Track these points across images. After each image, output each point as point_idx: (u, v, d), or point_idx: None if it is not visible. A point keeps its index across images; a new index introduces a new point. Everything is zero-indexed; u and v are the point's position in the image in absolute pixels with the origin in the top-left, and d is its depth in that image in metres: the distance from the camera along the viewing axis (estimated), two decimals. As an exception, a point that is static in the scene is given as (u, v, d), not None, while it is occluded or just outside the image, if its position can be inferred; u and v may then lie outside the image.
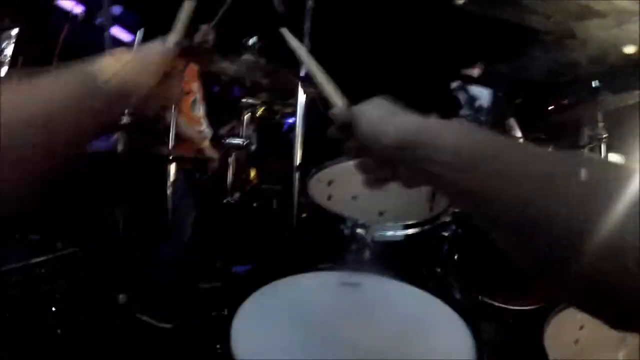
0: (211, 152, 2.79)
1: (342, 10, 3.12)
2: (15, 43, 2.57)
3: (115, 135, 1.90)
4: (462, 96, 3.27)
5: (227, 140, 2.18)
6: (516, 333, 2.17)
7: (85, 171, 2.08)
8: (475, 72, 3.20)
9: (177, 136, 2.21)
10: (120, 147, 1.75)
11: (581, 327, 1.78)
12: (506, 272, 2.20)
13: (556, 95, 3.35)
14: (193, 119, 2.89)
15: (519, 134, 3.16)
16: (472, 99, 3.26)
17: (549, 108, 3.09)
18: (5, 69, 2.64)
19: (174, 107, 2.13)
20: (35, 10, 2.54)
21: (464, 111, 3.24)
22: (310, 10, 2.26)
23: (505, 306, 2.19)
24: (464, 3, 3.22)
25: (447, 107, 3.24)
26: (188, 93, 2.69)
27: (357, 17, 3.32)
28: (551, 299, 2.13)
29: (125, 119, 1.91)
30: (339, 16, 3.03)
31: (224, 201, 2.14)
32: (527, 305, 2.21)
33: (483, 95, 3.31)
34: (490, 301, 2.19)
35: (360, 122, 0.83)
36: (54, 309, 2.28)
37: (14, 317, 2.16)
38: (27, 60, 2.60)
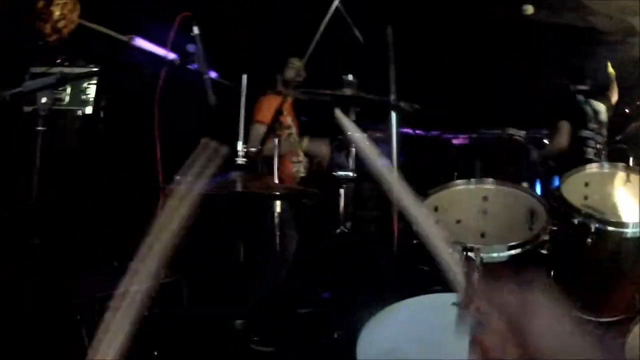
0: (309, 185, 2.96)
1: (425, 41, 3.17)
2: (98, 83, 2.68)
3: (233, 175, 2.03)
4: (587, 110, 3.31)
5: (338, 173, 2.33)
6: (604, 344, 2.28)
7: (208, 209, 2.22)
8: (586, 86, 3.20)
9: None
10: (238, 188, 1.89)
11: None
12: (596, 286, 2.32)
13: (628, 97, 3.38)
14: (293, 152, 3.05)
15: (566, 138, 3.19)
16: (595, 113, 3.30)
17: (626, 111, 3.13)
18: (90, 107, 2.74)
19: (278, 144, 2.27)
20: (110, 51, 2.62)
21: (592, 125, 3.26)
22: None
23: (596, 319, 2.30)
24: (532, 13, 3.28)
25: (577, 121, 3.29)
26: (287, 128, 2.85)
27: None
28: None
29: (241, 161, 2.03)
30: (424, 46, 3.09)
31: (338, 231, 2.31)
32: (612, 317, 2.31)
33: (601, 109, 3.35)
34: (580, 315, 2.31)
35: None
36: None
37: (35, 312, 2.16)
38: (111, 100, 2.72)
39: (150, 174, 2.25)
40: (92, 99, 2.69)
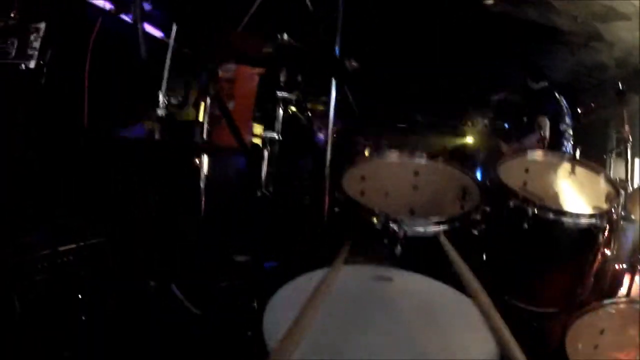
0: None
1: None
2: (44, 37, 2.61)
3: (149, 125, 1.95)
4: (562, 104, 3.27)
5: (264, 134, 2.21)
6: (539, 336, 2.18)
7: (121, 157, 2.13)
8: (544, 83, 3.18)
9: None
10: (156, 136, 1.79)
11: (602, 332, 1.80)
12: (532, 275, 2.22)
13: (584, 98, 3.36)
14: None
15: (547, 132, 3.18)
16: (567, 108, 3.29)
17: (579, 111, 3.11)
18: (33, 62, 2.67)
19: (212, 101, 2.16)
20: (63, 5, 2.57)
21: (567, 119, 3.23)
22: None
23: (529, 308, 2.20)
24: (492, 3, 3.24)
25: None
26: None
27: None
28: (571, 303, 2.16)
29: (160, 112, 1.95)
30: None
31: (258, 194, 2.18)
32: (550, 309, 2.22)
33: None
34: (515, 303, 2.21)
35: None
36: (80, 296, 2.32)
37: (40, 303, 2.20)
38: (57, 53, 2.64)
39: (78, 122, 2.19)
40: (37, 53, 2.62)
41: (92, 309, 2.28)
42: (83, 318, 2.27)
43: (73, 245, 2.45)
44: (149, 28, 2.75)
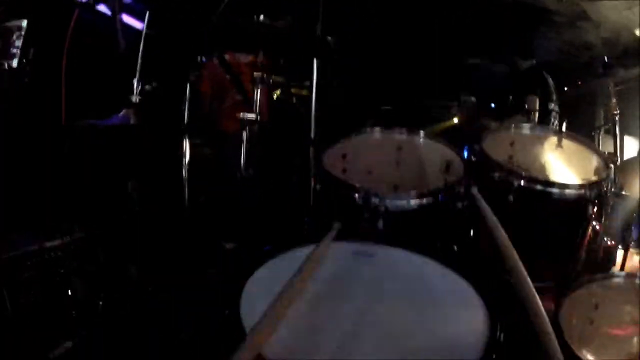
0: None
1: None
2: (25, 35, 2.61)
3: (124, 111, 1.94)
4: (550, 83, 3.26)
5: (242, 115, 2.19)
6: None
7: (98, 145, 2.12)
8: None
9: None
10: (132, 121, 1.78)
11: (596, 307, 1.77)
12: (520, 248, 2.19)
13: (571, 76, 3.34)
14: None
15: (537, 108, 3.15)
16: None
17: (565, 89, 3.09)
18: (16, 60, 2.67)
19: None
20: (42, 1, 2.56)
21: (554, 98, 3.22)
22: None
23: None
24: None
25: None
26: None
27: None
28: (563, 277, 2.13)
29: (135, 98, 1.95)
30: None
31: (238, 175, 2.16)
32: (541, 283, 2.18)
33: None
34: (505, 277, 2.18)
35: None
36: (69, 292, 2.31)
37: (29, 300, 2.19)
38: (38, 51, 2.63)
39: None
40: (19, 52, 2.62)
41: (82, 304, 2.27)
42: (73, 313, 2.26)
43: (60, 241, 2.44)
44: (129, 19, 2.74)
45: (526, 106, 3.08)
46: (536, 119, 3.15)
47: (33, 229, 2.43)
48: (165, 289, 2.30)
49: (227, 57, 2.81)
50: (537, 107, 3.19)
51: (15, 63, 2.64)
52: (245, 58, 2.87)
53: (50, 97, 2.43)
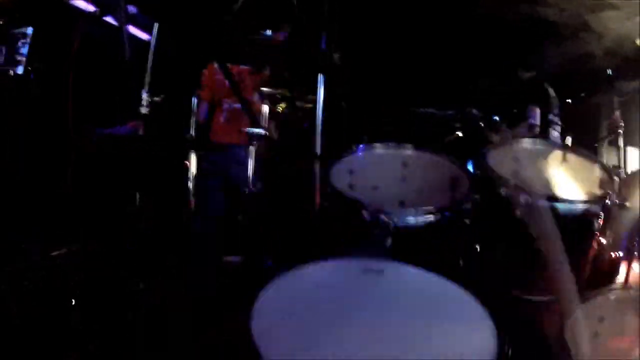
0: None
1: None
2: (31, 42, 2.61)
3: (133, 123, 1.95)
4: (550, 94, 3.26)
5: (248, 130, 2.19)
6: (537, 325, 2.14)
7: (106, 156, 2.12)
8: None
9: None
10: (141, 132, 1.79)
11: (601, 320, 1.77)
12: (526, 264, 2.19)
13: (573, 88, 3.35)
14: None
15: (538, 121, 3.16)
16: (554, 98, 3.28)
17: (567, 101, 3.10)
18: (21, 67, 2.67)
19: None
20: (48, 10, 2.58)
21: (555, 109, 3.23)
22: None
23: (526, 297, 2.17)
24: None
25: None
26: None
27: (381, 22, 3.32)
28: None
29: (144, 110, 1.95)
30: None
31: (245, 191, 2.16)
32: (546, 297, 2.18)
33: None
34: (510, 292, 2.18)
35: None
36: (73, 301, 2.30)
37: (33, 310, 2.19)
38: (44, 60, 2.64)
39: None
40: (24, 59, 2.63)
41: (85, 312, 2.26)
42: (77, 321, 2.25)
43: (64, 250, 2.44)
44: (135, 30, 2.75)
45: (528, 117, 3.10)
46: (538, 130, 3.17)
47: (38, 237, 2.44)
48: (171, 303, 2.30)
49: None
50: (539, 118, 3.20)
51: (20, 70, 2.65)
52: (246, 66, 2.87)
53: (57, 106, 2.44)
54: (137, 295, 2.28)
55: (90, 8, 2.37)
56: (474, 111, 2.89)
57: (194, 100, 2.20)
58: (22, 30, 2.63)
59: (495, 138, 2.75)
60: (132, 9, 2.50)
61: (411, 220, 1.89)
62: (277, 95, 2.29)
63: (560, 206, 2.10)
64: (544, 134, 3.18)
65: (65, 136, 2.19)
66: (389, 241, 1.83)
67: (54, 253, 2.50)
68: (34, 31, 2.60)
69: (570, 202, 2.11)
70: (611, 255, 2.60)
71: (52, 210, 2.55)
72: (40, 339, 2.08)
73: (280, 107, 2.56)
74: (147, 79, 2.02)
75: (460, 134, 2.76)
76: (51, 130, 2.57)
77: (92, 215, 2.53)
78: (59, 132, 2.36)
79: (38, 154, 2.66)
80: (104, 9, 2.29)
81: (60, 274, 2.41)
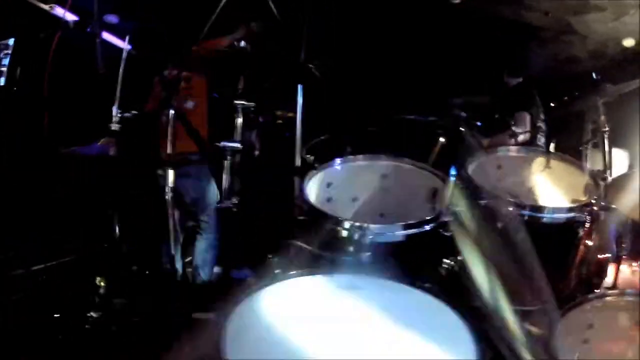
0: None
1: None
2: (13, 53, 2.59)
3: (102, 141, 1.92)
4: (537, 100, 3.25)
5: (223, 144, 2.15)
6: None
7: (79, 176, 2.08)
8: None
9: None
10: (112, 152, 1.75)
11: (590, 326, 1.74)
12: (511, 274, 2.16)
13: (557, 92, 3.33)
14: None
15: (528, 127, 3.15)
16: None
17: (552, 105, 3.08)
18: (3, 79, 2.65)
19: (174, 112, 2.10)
20: (29, 20, 2.55)
21: (541, 115, 3.21)
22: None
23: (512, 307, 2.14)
24: (460, 2, 3.20)
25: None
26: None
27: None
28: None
29: (114, 127, 1.91)
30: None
31: (218, 205, 2.12)
32: (533, 307, 2.15)
33: None
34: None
35: None
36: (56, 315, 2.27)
37: (17, 322, 2.15)
38: (24, 70, 2.61)
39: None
40: (6, 71, 2.62)
41: (68, 327, 2.22)
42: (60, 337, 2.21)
43: (46, 265, 2.42)
44: (116, 40, 2.69)
45: (513, 124, 3.07)
46: (526, 136, 3.14)
47: (20, 252, 2.41)
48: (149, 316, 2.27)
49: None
50: (528, 125, 3.18)
51: (2, 81, 2.64)
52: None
53: (34, 120, 2.41)
54: (117, 310, 2.25)
55: (71, 17, 2.33)
56: (461, 113, 2.85)
57: (172, 114, 2.15)
58: (4, 42, 2.61)
59: (476, 143, 2.73)
60: (112, 18, 2.46)
61: (389, 235, 1.85)
62: (248, 106, 2.24)
63: (543, 215, 2.08)
64: (531, 141, 3.17)
65: (41, 151, 2.16)
66: (365, 256, 1.80)
67: (35, 268, 2.47)
68: (15, 42, 2.58)
69: (554, 210, 2.09)
70: (598, 258, 2.57)
71: (30, 224, 2.51)
72: (22, 351, 2.04)
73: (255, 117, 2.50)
74: (119, 93, 1.97)
75: (443, 140, 2.73)
76: (28, 144, 2.54)
77: (71, 229, 2.50)
78: (35, 147, 2.33)
79: (14, 168, 2.62)
80: (85, 19, 2.26)
81: (40, 289, 2.38)
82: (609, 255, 2.61)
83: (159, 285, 2.42)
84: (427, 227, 1.90)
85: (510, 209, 2.04)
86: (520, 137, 3.15)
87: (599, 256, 2.55)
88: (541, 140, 3.19)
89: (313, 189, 2.01)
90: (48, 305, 2.29)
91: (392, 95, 3.14)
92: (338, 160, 2.09)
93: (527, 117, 3.30)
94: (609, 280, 2.61)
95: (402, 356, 1.28)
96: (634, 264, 2.63)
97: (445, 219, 1.96)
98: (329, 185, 2.04)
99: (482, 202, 2.04)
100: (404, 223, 1.86)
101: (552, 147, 2.98)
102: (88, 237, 2.49)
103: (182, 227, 2.48)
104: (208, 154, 2.22)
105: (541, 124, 3.22)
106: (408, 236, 1.87)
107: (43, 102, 2.25)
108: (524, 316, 2.16)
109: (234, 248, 2.36)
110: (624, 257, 2.57)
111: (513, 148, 2.43)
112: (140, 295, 2.36)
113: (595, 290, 2.17)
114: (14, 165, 2.61)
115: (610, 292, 2.15)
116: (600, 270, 2.60)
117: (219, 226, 2.37)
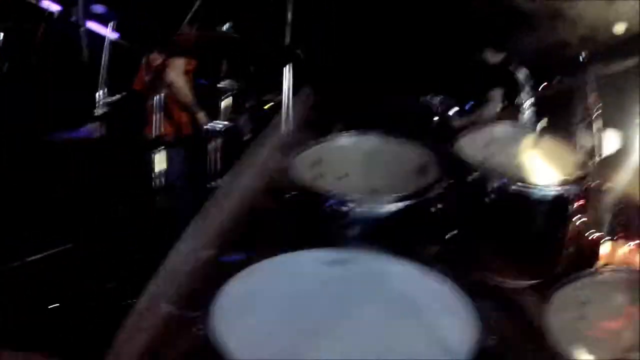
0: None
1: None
2: (1, 47, 2.59)
3: (89, 125, 1.92)
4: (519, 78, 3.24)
5: (209, 126, 2.15)
6: (516, 310, 2.12)
7: (67, 161, 2.09)
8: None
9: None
10: (98, 135, 1.76)
11: (584, 303, 1.75)
12: (502, 249, 2.17)
13: (547, 73, 3.33)
14: None
15: (499, 105, 3.14)
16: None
17: (541, 85, 3.08)
18: None
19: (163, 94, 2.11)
20: (16, 13, 2.55)
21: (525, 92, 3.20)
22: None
23: (504, 283, 2.15)
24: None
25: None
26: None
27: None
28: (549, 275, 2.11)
29: (100, 110, 1.92)
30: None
31: (207, 186, 2.12)
32: (526, 282, 2.16)
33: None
34: (487, 278, 2.15)
35: None
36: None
37: (12, 315, 2.14)
38: (12, 64, 2.62)
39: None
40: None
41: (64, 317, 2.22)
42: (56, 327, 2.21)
43: (40, 255, 2.42)
44: (101, 29, 2.70)
45: (488, 100, 3.06)
46: (498, 110, 3.12)
47: (13, 243, 2.42)
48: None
49: None
50: (501, 101, 3.16)
51: None
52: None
53: (23, 110, 2.42)
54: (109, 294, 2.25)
55: (53, 7, 2.35)
56: (436, 98, 2.87)
57: (159, 98, 2.16)
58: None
59: (458, 122, 2.74)
60: (100, 8, 2.47)
61: (377, 208, 1.85)
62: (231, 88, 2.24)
63: (530, 190, 2.08)
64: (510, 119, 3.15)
65: (30, 140, 2.17)
66: (355, 230, 1.81)
67: (31, 258, 2.47)
68: (4, 35, 2.58)
69: (541, 186, 2.09)
70: (592, 236, 2.58)
71: (24, 215, 2.52)
72: (18, 345, 2.04)
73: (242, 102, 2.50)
74: (103, 77, 1.98)
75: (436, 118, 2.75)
76: (17, 134, 2.54)
77: (64, 218, 2.50)
78: (24, 136, 2.34)
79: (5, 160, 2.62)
80: (67, 10, 2.27)
81: (37, 279, 2.37)
82: (602, 232, 2.63)
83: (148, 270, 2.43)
84: (418, 200, 1.90)
85: (497, 184, 2.05)
86: (492, 113, 3.15)
87: (591, 233, 2.57)
88: (525, 118, 3.17)
89: (301, 166, 2.02)
90: (45, 296, 2.29)
91: (382, 73, 3.12)
92: (328, 136, 2.10)
93: (499, 94, 3.28)
94: (602, 257, 2.63)
95: (396, 331, 1.28)
96: (628, 241, 2.64)
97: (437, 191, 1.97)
98: (319, 161, 2.06)
99: (470, 178, 2.06)
100: (391, 197, 1.87)
101: (542, 125, 2.98)
102: (79, 226, 2.49)
103: (171, 209, 2.49)
104: (193, 137, 2.24)
105: (525, 102, 3.20)
106: (396, 210, 1.88)
107: (31, 92, 2.27)
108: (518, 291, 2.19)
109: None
110: (617, 234, 2.58)
111: (501, 126, 2.44)
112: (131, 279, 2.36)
113: (589, 268, 2.18)
114: (4, 156, 2.62)
115: (604, 268, 2.16)
116: (593, 247, 2.62)
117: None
